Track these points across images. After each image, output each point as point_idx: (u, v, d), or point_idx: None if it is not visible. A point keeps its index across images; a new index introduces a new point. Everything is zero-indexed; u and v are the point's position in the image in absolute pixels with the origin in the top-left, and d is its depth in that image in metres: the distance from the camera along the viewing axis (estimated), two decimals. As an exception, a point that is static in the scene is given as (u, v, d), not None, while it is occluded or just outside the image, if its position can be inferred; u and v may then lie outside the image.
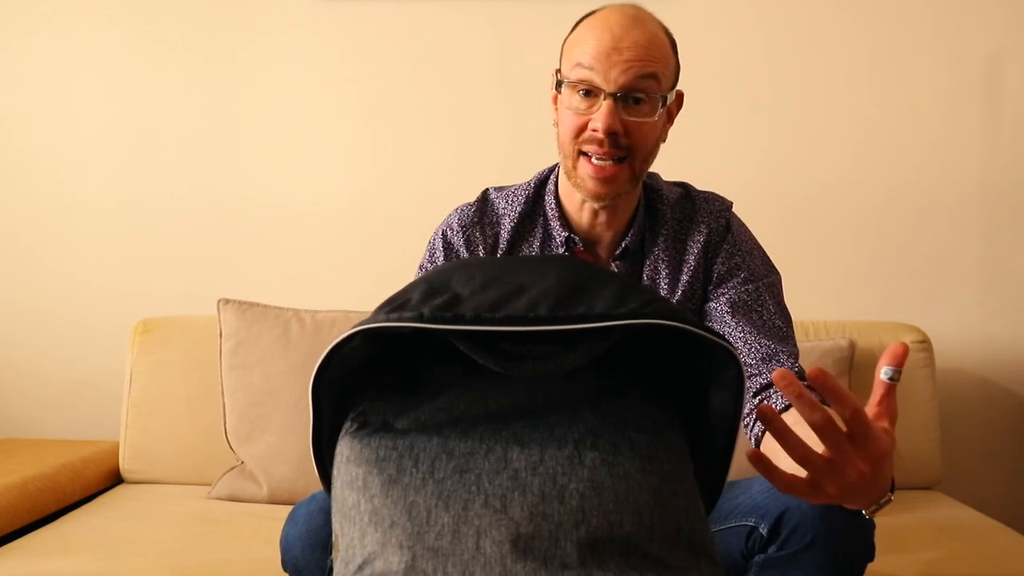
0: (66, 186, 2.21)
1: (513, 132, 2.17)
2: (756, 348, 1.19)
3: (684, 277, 1.26)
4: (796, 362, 1.19)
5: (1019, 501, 2.18)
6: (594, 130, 1.16)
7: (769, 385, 1.16)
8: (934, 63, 2.16)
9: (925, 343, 1.96)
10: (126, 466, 1.97)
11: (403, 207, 2.18)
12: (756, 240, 1.32)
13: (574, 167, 1.20)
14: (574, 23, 1.23)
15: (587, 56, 1.15)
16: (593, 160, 1.17)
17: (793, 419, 0.87)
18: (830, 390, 0.74)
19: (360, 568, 0.71)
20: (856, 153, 2.17)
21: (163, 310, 2.10)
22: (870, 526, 1.03)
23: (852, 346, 1.89)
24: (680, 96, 1.25)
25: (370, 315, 0.77)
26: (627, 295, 0.78)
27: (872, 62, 2.16)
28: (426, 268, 1.31)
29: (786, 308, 1.27)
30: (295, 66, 2.19)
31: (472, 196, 1.33)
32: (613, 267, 1.26)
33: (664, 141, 1.24)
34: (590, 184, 1.19)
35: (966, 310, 2.18)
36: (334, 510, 0.78)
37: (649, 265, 1.26)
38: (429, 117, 2.19)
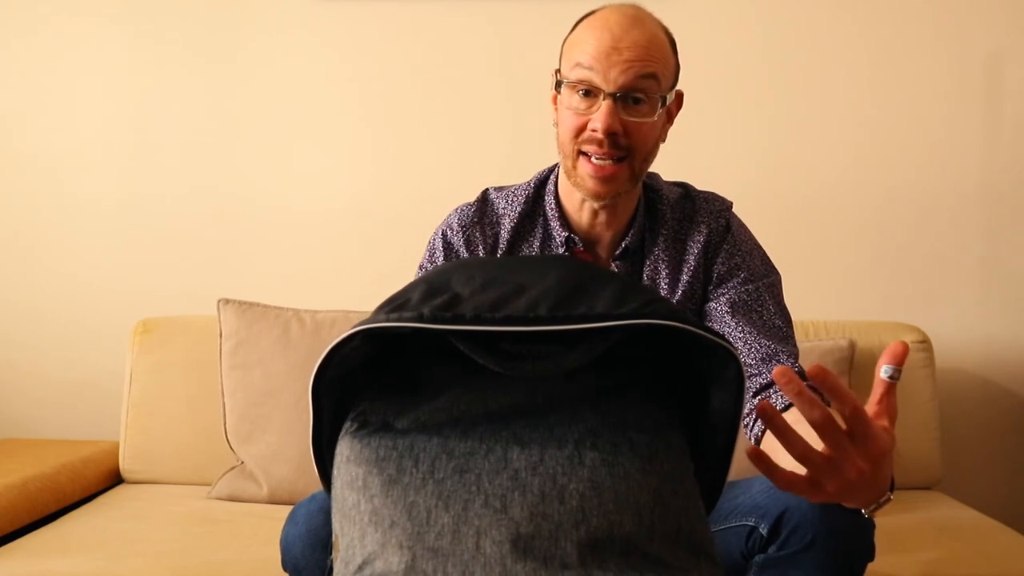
0: (66, 186, 2.21)
1: (513, 132, 2.17)
2: (756, 348, 1.19)
3: (684, 277, 1.26)
4: (796, 362, 1.19)
5: (1019, 501, 2.18)
6: (593, 130, 1.16)
7: (769, 385, 1.16)
8: (934, 63, 2.15)
9: (925, 343, 1.96)
10: (126, 466, 1.97)
11: (403, 207, 2.18)
12: (756, 240, 1.32)
13: (574, 167, 1.20)
14: (574, 23, 1.23)
15: (587, 56, 1.15)
16: (593, 160, 1.18)
17: (793, 418, 0.87)
18: (830, 388, 0.74)
19: (360, 568, 0.71)
20: (856, 153, 2.17)
21: (163, 310, 2.10)
22: (870, 526, 1.03)
23: (852, 346, 1.89)
24: (680, 96, 1.25)
25: (370, 315, 0.77)
26: (627, 295, 0.78)
27: (872, 62, 2.16)
28: (426, 268, 1.31)
29: (786, 308, 1.27)
30: (295, 66, 2.19)
31: (472, 196, 1.33)
32: (613, 267, 1.26)
33: (664, 141, 1.24)
34: (590, 183, 1.19)
35: (966, 310, 2.18)
36: (334, 510, 0.78)
37: (649, 265, 1.26)
38: (429, 117, 2.19)
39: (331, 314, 1.93)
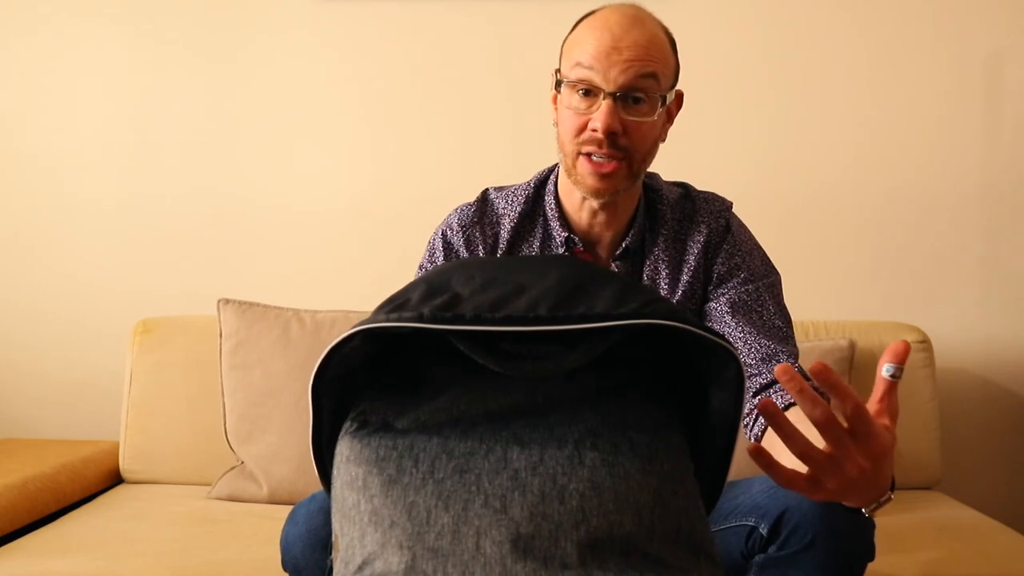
0: (66, 186, 2.21)
1: (513, 132, 2.17)
2: (756, 348, 1.19)
3: (684, 277, 1.26)
4: (796, 362, 1.19)
5: (1019, 501, 2.18)
6: (593, 130, 1.16)
7: (768, 385, 1.16)
8: (934, 63, 2.16)
9: (925, 343, 1.96)
10: (126, 466, 1.97)
11: (403, 207, 2.18)
12: (756, 240, 1.32)
13: (574, 165, 1.20)
14: (574, 23, 1.23)
15: (587, 56, 1.15)
16: (593, 158, 1.18)
17: (794, 418, 0.87)
18: (832, 385, 0.74)
19: (360, 568, 0.71)
20: (856, 153, 2.17)
21: (163, 310, 2.10)
22: (870, 526, 1.03)
23: (852, 346, 1.89)
24: (680, 96, 1.25)
25: (370, 315, 0.77)
26: (627, 295, 0.78)
27: (872, 62, 2.16)
28: (426, 268, 1.31)
29: (786, 308, 1.27)
30: (295, 66, 2.19)
31: (472, 196, 1.33)
32: (613, 267, 1.26)
33: (664, 141, 1.24)
34: (589, 180, 1.19)
35: (966, 310, 2.18)
36: (334, 510, 0.78)
37: (649, 265, 1.26)
38: (429, 117, 2.19)
39: (331, 314, 1.93)
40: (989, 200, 2.17)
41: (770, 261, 1.31)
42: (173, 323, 2.02)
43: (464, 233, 1.29)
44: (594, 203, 1.23)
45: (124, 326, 2.08)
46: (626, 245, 1.26)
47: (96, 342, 2.20)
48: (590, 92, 1.16)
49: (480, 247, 1.28)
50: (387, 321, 0.74)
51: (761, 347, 1.19)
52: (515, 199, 1.30)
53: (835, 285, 2.18)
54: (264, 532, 1.61)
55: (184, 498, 1.84)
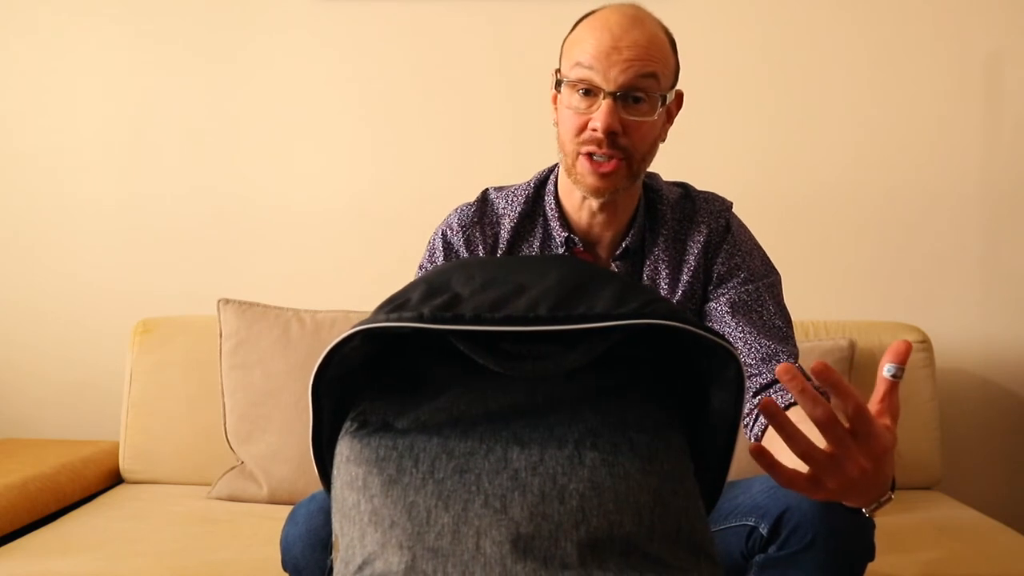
0: (66, 186, 2.21)
1: (513, 132, 2.17)
2: (756, 348, 1.19)
3: (684, 277, 1.26)
4: (796, 362, 1.19)
5: (1019, 501, 2.18)
6: (593, 129, 1.16)
7: (769, 385, 1.16)
8: (934, 63, 2.16)
9: (925, 343, 1.96)
10: (126, 466, 1.97)
11: (403, 207, 2.18)
12: (756, 240, 1.32)
13: (573, 165, 1.20)
14: (574, 23, 1.23)
15: (587, 55, 1.15)
16: (593, 157, 1.18)
17: (795, 417, 0.87)
18: (833, 384, 0.74)
19: (360, 568, 0.71)
20: (856, 153, 2.17)
21: (163, 310, 2.10)
22: (870, 526, 1.03)
23: (852, 346, 1.89)
24: (680, 96, 1.25)
25: (370, 315, 0.77)
26: (627, 295, 0.78)
27: (872, 62, 2.16)
28: (426, 268, 1.31)
29: (786, 308, 1.27)
30: (295, 66, 2.19)
31: (472, 196, 1.33)
32: (613, 267, 1.26)
33: (664, 141, 1.24)
34: (589, 179, 1.19)
35: (966, 310, 2.18)
36: (334, 510, 0.77)
37: (649, 265, 1.26)
38: (429, 117, 2.19)
39: (331, 314, 1.93)
40: (989, 200, 2.17)
41: (770, 261, 1.31)
42: (173, 323, 2.02)
43: (464, 233, 1.29)
44: (594, 203, 1.22)
45: (124, 326, 2.08)
46: (626, 245, 1.26)
47: (96, 342, 2.20)
48: (590, 92, 1.16)
49: (480, 247, 1.28)
50: (387, 321, 0.74)
51: (761, 347, 1.19)
52: (515, 199, 1.30)
53: (835, 285, 2.18)
54: (264, 532, 1.61)
55: (184, 498, 1.84)
